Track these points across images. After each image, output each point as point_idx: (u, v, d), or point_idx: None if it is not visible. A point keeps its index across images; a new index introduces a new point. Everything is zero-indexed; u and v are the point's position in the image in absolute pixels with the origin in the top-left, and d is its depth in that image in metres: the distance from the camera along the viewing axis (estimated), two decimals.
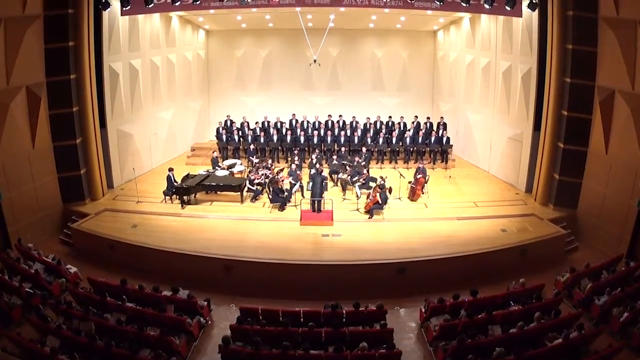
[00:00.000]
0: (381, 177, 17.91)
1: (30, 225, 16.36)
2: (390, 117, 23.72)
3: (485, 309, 11.75)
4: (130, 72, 19.93)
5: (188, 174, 19.02)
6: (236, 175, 20.25)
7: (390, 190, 17.77)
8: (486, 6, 16.57)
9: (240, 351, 10.66)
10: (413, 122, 23.24)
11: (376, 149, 22.39)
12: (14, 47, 15.13)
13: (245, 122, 23.44)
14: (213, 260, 14.54)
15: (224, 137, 22.67)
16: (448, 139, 22.12)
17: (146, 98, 21.21)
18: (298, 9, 18.63)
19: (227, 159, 22.19)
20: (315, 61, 20.50)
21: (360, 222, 16.97)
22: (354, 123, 23.26)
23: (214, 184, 18.47)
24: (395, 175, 19.34)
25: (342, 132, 22.63)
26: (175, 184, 18.12)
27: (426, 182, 18.95)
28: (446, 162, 22.38)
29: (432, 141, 22.16)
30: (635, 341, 11.26)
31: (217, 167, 20.26)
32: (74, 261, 15.22)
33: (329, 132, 22.68)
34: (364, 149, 21.43)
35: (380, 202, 17.10)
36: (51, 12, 16.14)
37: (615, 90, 15.61)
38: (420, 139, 22.30)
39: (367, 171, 19.38)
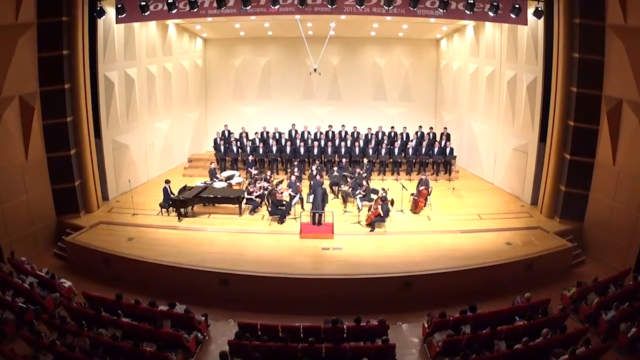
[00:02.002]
0: (383, 189, 18.01)
1: (24, 238, 16.42)
2: (392, 127, 23.87)
3: (489, 324, 11.82)
4: (126, 81, 20.06)
5: (185, 186, 19.17)
6: (234, 187, 20.37)
7: (392, 203, 17.90)
8: (490, 14, 16.53)
9: None
10: (416, 133, 23.39)
11: (378, 160, 22.51)
12: (6, 56, 15.23)
13: (244, 132, 23.57)
14: (211, 274, 14.63)
15: (222, 148, 22.83)
16: (451, 149, 22.20)
17: (142, 108, 21.35)
18: (298, 16, 18.74)
19: (225, 170, 22.38)
20: (315, 70, 20.68)
21: (361, 235, 17.05)
22: (355, 133, 23.43)
23: (212, 196, 18.57)
24: (397, 187, 19.44)
25: (343, 143, 22.78)
26: (172, 196, 18.23)
27: (429, 194, 19.07)
28: (449, 174, 22.46)
29: (435, 152, 22.20)
30: None
31: (214, 179, 20.39)
32: (68, 275, 15.24)
33: (329, 143, 22.80)
34: (365, 160, 21.59)
35: (382, 214, 17.20)
36: (45, 20, 16.21)
37: (623, 100, 15.67)
38: (423, 149, 22.40)
39: (369, 183, 19.47)
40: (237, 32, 23.92)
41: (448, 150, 22.16)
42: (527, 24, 17.64)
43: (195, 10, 16.88)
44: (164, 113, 23.10)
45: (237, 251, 15.91)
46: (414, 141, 22.89)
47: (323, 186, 18.49)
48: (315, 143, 22.77)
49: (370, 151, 22.40)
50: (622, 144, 16.06)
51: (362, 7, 16.61)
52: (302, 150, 22.66)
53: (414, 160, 22.68)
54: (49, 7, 16.20)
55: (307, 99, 26.04)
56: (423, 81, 26.00)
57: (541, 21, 17.46)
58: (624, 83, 15.49)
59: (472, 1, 16.13)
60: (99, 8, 16.94)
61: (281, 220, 17.86)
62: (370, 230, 17.22)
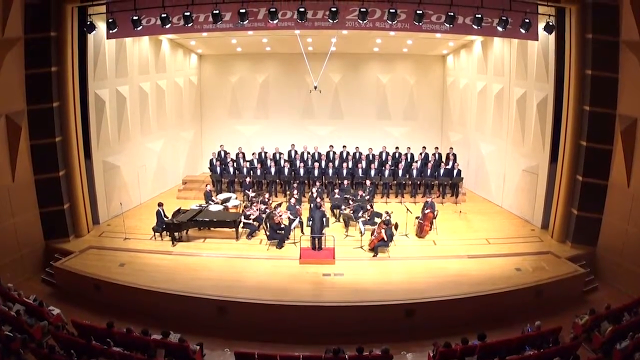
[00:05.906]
0: (387, 212, 18.19)
1: (10, 264, 16.40)
2: (397, 147, 24.07)
3: (498, 353, 11.90)
4: (117, 99, 20.23)
5: (179, 209, 19.32)
6: (231, 210, 20.55)
7: (396, 227, 18.07)
8: (499, 29, 16.47)
9: None
10: (421, 153, 23.59)
11: (381, 182, 22.69)
12: None
13: (241, 153, 23.68)
14: (206, 302, 14.71)
15: (218, 169, 23.01)
16: (459, 171, 22.33)
17: (134, 127, 21.55)
18: (297, 31, 19.02)
19: (221, 192, 22.48)
20: (315, 88, 20.89)
21: (364, 261, 17.18)
22: (357, 154, 23.62)
23: (207, 219, 18.74)
24: (401, 210, 19.60)
25: (345, 164, 22.95)
26: (165, 219, 18.39)
27: (435, 218, 19.23)
28: (456, 196, 22.63)
29: (441, 173, 22.41)
30: None
31: (210, 202, 20.52)
32: (57, 302, 15.29)
33: (330, 164, 22.96)
34: (368, 182, 21.77)
35: (385, 239, 17.32)
36: (32, 35, 16.34)
37: (638, 119, 15.82)
38: (428, 171, 22.59)
39: (372, 206, 19.56)
40: (234, 47, 24.19)
41: (455, 171, 22.28)
42: (537, 40, 17.77)
43: (189, 25, 16.69)
44: (157, 132, 23.30)
45: (234, 277, 16.01)
46: (419, 162, 23.09)
47: (322, 209, 18.63)
48: (316, 164, 22.90)
49: (373, 172, 22.56)
50: (637, 164, 16.13)
51: (364, 22, 16.51)
52: (301, 171, 22.86)
53: (419, 182, 22.85)
54: (37, 22, 16.36)
55: (307, 118, 26.29)
56: (428, 99, 26.27)
57: (552, 36, 17.54)
58: (639, 101, 15.65)
59: (479, 15, 16.23)
60: (89, 23, 16.94)
61: (280, 245, 17.99)
62: (373, 256, 17.34)
